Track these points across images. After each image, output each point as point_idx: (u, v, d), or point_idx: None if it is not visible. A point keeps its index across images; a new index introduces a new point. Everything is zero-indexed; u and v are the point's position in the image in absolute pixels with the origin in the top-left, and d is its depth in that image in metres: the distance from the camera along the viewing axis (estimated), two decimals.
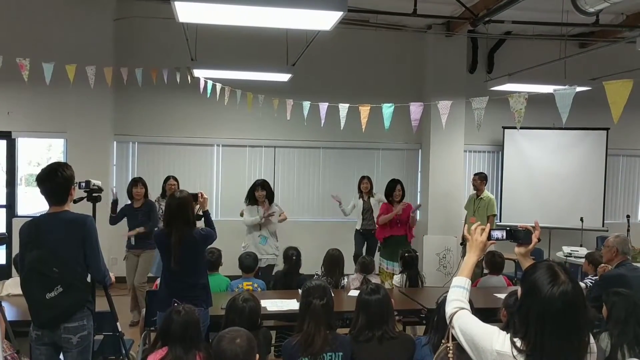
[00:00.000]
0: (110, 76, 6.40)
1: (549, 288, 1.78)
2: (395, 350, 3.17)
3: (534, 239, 2.22)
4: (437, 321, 3.04)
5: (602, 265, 4.72)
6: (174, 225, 3.76)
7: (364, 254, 7.00)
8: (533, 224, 2.29)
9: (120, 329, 3.80)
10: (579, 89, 3.71)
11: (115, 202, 6.08)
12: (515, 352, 1.81)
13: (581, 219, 8.07)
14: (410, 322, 5.11)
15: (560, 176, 8.82)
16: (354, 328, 3.26)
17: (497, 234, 2.28)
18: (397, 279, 5.50)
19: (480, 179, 7.82)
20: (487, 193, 7.84)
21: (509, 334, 1.87)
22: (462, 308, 2.08)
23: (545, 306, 1.77)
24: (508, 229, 2.31)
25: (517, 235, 2.27)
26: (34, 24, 7.69)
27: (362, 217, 7.52)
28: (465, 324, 2.01)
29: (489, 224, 2.32)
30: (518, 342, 1.82)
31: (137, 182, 6.30)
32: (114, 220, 6.17)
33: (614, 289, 3.43)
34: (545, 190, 8.83)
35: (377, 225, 6.93)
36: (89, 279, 3.44)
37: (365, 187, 7.50)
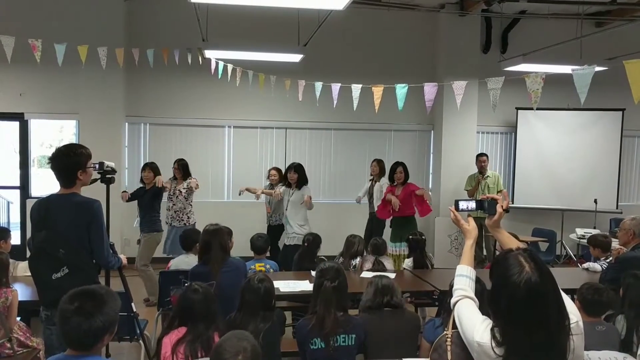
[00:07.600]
0: (122, 57, 6.39)
1: (515, 278, 1.72)
2: (404, 321, 3.31)
3: (499, 209, 2.24)
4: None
5: (617, 247, 4.69)
6: None
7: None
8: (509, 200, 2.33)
9: (135, 309, 3.83)
10: (597, 68, 3.64)
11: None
12: (494, 344, 1.77)
13: (595, 201, 8.01)
14: (422, 303, 5.12)
15: (574, 157, 8.73)
16: (364, 299, 3.37)
17: (465, 204, 2.37)
18: (408, 262, 5.48)
19: (487, 159, 8.10)
20: (491, 171, 8.09)
21: (490, 325, 1.83)
22: (465, 297, 2.06)
23: (511, 297, 1.72)
24: (478, 199, 2.38)
25: (482, 205, 2.34)
26: (46, 5, 7.66)
27: (369, 202, 7.46)
28: (461, 314, 1.99)
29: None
30: (498, 334, 1.78)
31: (145, 166, 6.31)
32: (130, 199, 6.22)
33: (632, 272, 3.39)
34: (558, 172, 8.75)
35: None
36: None
37: (374, 171, 7.41)
